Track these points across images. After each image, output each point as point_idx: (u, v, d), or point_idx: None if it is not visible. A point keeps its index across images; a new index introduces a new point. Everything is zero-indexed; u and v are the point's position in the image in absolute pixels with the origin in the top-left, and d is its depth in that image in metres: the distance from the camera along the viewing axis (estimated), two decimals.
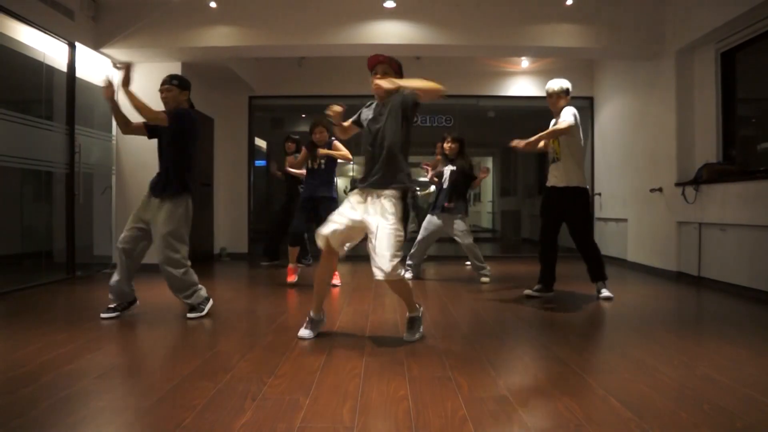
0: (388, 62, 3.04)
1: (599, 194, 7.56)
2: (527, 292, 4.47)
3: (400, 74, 3.08)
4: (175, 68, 6.36)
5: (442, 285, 5.30)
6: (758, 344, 3.03)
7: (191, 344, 3.12)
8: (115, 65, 6.32)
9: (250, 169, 8.27)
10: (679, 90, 5.70)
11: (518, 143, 4.22)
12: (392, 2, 5.79)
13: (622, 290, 4.75)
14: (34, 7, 4.90)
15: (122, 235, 3.55)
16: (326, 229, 2.95)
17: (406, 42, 5.96)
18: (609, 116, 7.58)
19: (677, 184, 5.54)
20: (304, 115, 10.84)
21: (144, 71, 6.38)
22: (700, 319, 4.03)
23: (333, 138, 5.06)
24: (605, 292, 4.37)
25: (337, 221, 2.96)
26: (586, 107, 8.22)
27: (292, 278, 5.19)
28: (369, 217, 2.88)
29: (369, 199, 2.97)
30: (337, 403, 2.07)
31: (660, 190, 5.93)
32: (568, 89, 4.39)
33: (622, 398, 2.12)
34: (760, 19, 4.68)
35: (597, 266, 4.41)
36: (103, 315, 3.58)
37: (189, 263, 3.60)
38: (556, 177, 4.36)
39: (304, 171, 5.41)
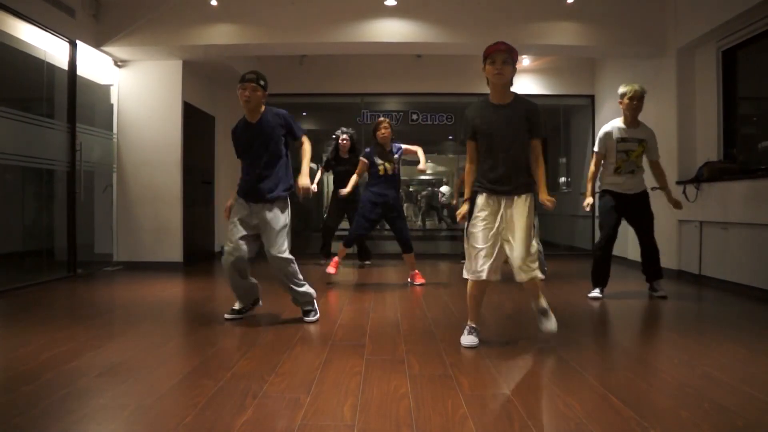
0: (509, 51, 2.83)
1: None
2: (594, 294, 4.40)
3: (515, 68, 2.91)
4: (177, 66, 6.39)
5: (442, 283, 5.30)
6: (759, 343, 3.03)
7: (192, 342, 3.13)
8: (116, 63, 6.33)
9: None
10: (680, 88, 5.69)
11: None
12: (393, 0, 5.78)
13: (623, 289, 4.75)
14: (35, 5, 4.89)
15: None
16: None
17: (407, 40, 5.95)
18: (610, 115, 7.53)
19: (678, 183, 5.53)
20: (305, 113, 10.84)
21: (145, 69, 6.41)
22: (701, 318, 4.03)
23: (400, 146, 5.06)
24: (661, 291, 4.44)
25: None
26: (587, 105, 8.21)
27: (332, 270, 5.16)
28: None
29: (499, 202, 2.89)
30: (338, 401, 2.08)
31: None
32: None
33: (622, 396, 2.12)
34: (761, 17, 4.67)
35: (652, 264, 4.44)
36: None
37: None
38: (630, 185, 4.27)
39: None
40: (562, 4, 5.84)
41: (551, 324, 2.96)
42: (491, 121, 2.90)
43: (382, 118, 5.04)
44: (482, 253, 2.82)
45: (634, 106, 4.14)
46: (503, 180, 2.88)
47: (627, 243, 6.69)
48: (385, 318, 3.67)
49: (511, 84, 2.95)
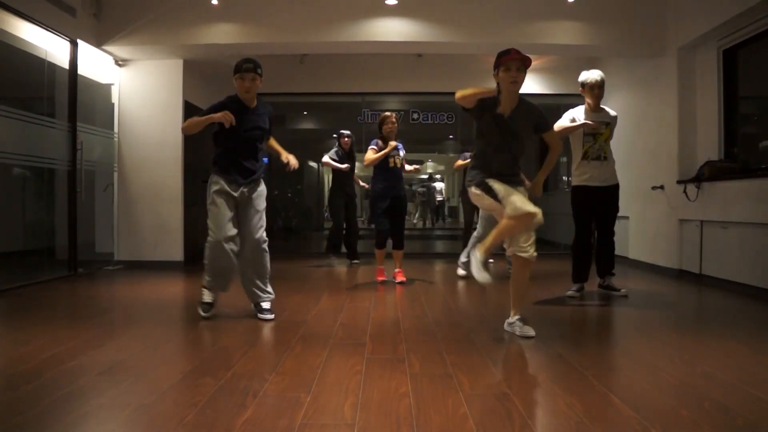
0: (522, 60, 3.03)
1: None
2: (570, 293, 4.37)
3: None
4: (177, 65, 6.39)
5: (442, 282, 5.30)
6: (759, 342, 3.03)
7: (193, 341, 3.13)
8: (117, 62, 6.33)
9: None
10: (681, 87, 5.68)
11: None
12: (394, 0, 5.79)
13: (623, 287, 4.74)
14: (36, 4, 4.89)
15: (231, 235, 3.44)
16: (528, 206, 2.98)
17: (408, 39, 5.95)
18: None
19: (679, 182, 5.52)
20: (306, 112, 10.84)
21: (146, 68, 6.41)
22: (701, 317, 4.03)
23: (400, 145, 5.13)
24: (623, 290, 4.42)
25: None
26: None
27: (381, 278, 5.17)
28: None
29: None
30: (338, 400, 2.08)
31: (662, 187, 5.92)
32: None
33: (622, 395, 2.12)
34: (762, 16, 4.66)
35: (610, 259, 4.44)
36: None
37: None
38: (602, 176, 4.25)
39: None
40: (563, 4, 5.84)
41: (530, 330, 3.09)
42: (495, 127, 3.11)
43: (388, 113, 5.12)
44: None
45: (596, 94, 4.23)
46: (503, 171, 3.12)
47: (628, 242, 6.69)
48: (386, 317, 3.67)
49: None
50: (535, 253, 3.04)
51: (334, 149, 6.60)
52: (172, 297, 4.46)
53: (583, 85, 4.28)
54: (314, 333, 3.18)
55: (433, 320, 3.56)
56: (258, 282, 3.57)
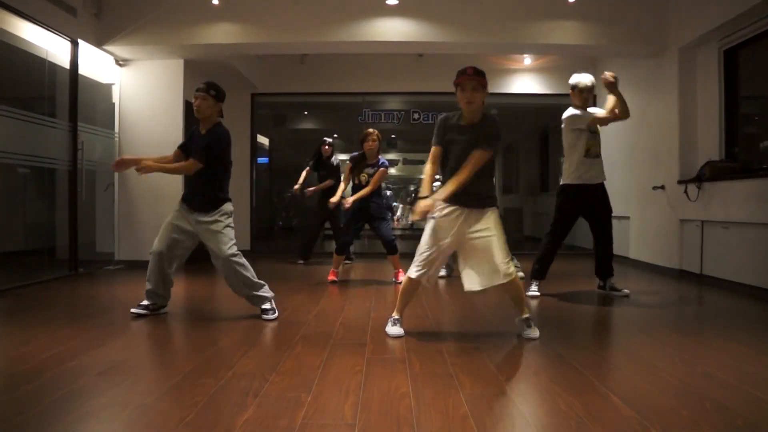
0: (477, 79, 2.92)
1: None
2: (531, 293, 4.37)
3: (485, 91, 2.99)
4: (178, 65, 6.39)
5: (443, 282, 5.29)
6: (760, 342, 3.03)
7: (193, 341, 3.13)
8: (117, 62, 6.34)
9: (252, 166, 8.27)
10: (682, 87, 5.68)
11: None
12: None
13: (624, 288, 4.74)
14: (37, 4, 4.89)
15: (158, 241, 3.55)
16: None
17: (409, 39, 5.95)
18: None
19: (680, 182, 5.52)
20: (306, 113, 10.84)
21: (146, 68, 6.42)
22: (702, 317, 4.03)
23: (385, 162, 5.13)
24: (624, 290, 4.44)
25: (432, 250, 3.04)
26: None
27: (332, 278, 5.22)
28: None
29: (461, 215, 2.99)
30: (338, 400, 2.08)
31: (662, 187, 5.91)
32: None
33: (623, 395, 2.12)
34: (763, 16, 4.66)
35: (611, 261, 4.44)
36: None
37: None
38: (595, 174, 4.28)
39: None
40: (563, 4, 5.84)
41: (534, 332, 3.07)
42: (458, 139, 3.00)
43: (370, 130, 5.08)
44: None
45: (584, 97, 4.27)
46: (463, 192, 2.94)
47: (629, 242, 6.69)
48: (386, 317, 3.65)
49: (482, 105, 3.00)
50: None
51: (312, 156, 6.70)
52: (172, 297, 4.45)
53: (574, 87, 4.30)
54: (315, 333, 3.18)
55: (434, 320, 3.56)
56: (249, 291, 3.58)
